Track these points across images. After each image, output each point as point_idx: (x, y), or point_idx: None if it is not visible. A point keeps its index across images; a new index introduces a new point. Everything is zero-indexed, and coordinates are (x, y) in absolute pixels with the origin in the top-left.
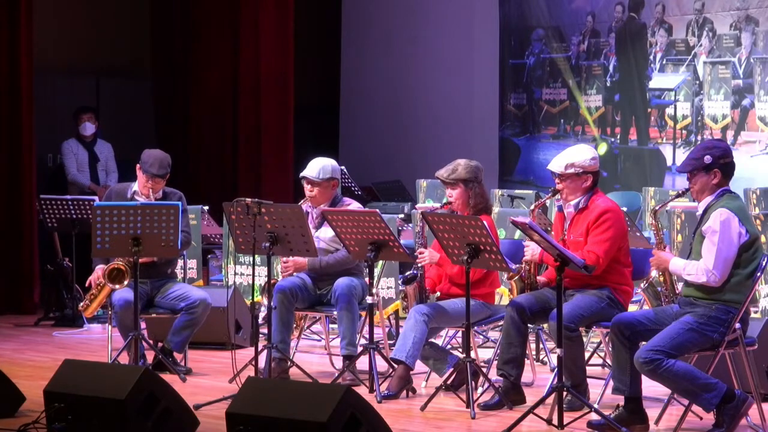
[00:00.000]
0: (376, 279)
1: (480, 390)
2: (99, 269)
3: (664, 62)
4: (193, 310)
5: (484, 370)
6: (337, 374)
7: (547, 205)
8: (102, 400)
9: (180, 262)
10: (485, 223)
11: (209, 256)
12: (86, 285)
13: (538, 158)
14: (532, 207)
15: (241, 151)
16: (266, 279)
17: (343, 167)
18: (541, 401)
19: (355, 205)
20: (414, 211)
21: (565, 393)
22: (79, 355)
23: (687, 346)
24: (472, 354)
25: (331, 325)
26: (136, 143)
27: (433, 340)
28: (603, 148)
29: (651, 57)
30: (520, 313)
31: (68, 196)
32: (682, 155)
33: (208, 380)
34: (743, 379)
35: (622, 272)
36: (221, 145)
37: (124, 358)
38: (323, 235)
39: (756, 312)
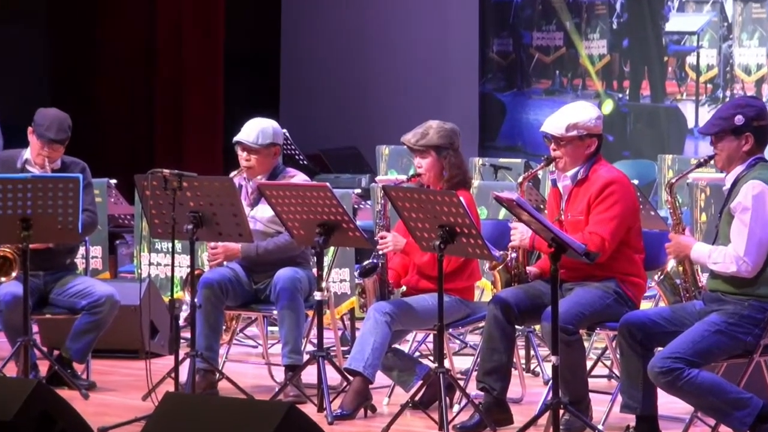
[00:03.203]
0: (326, 270)
1: (456, 408)
2: None
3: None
4: (97, 310)
5: (461, 382)
6: (277, 389)
7: (540, 177)
8: None
9: (81, 250)
10: (462, 199)
11: (117, 242)
12: None
13: (528, 119)
14: (521, 179)
15: (157, 112)
16: (189, 270)
17: (285, 130)
18: (533, 422)
19: (300, 178)
20: (374, 185)
21: (561, 411)
22: None
23: (713, 353)
24: (446, 363)
25: (270, 328)
26: (26, 103)
27: (397, 346)
28: (608, 105)
29: None
30: (506, 312)
31: None
32: (706, 115)
33: (117, 397)
34: None
35: (632, 259)
36: (133, 105)
37: (12, 370)
38: (260, 215)
39: None
